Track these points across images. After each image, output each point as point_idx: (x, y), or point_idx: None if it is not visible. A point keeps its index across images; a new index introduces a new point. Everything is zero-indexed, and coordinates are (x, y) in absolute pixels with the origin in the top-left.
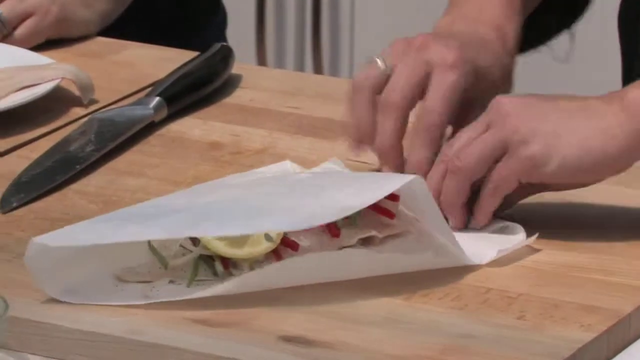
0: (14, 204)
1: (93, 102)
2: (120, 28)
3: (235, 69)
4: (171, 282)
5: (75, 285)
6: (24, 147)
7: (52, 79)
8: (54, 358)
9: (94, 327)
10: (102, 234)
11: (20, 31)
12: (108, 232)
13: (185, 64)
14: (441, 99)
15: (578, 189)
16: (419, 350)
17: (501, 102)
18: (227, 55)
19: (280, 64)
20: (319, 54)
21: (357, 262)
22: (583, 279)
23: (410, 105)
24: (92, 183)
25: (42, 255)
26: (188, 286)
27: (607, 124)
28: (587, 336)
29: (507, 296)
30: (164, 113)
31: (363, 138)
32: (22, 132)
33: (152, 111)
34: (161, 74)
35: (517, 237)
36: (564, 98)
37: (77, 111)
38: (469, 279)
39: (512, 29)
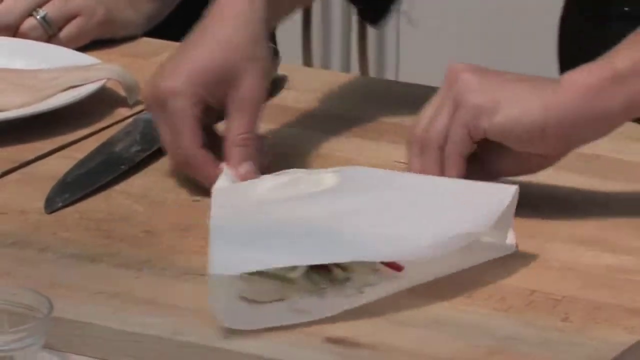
0: (59, 204)
1: (138, 102)
2: (166, 29)
3: (280, 70)
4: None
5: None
6: (69, 147)
7: (98, 80)
8: (98, 358)
9: (138, 327)
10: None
11: (66, 32)
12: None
13: None
14: (177, 134)
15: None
16: (464, 352)
17: (461, 77)
18: (273, 55)
19: (326, 64)
20: (364, 55)
21: None
22: (627, 281)
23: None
24: (137, 183)
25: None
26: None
27: (548, 98)
28: (631, 338)
29: (552, 298)
30: None
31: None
32: (68, 132)
33: None
34: None
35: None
36: (509, 72)
37: (122, 112)
38: (513, 280)
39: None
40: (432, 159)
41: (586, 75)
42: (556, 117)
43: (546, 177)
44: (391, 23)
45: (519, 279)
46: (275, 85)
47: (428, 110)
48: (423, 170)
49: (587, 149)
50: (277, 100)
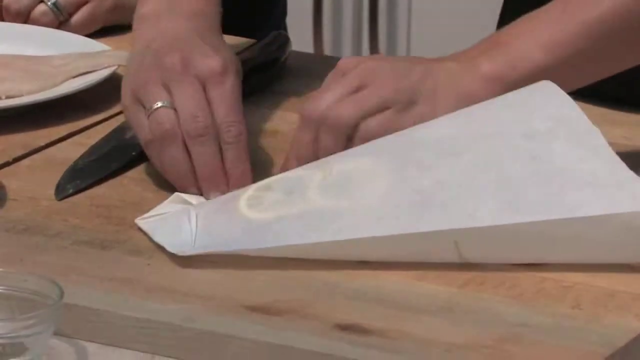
0: (70, 191)
1: None
2: None
3: (291, 57)
4: None
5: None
6: (80, 134)
7: (109, 66)
8: (109, 345)
9: (150, 314)
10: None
11: (76, 18)
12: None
13: (241, 52)
14: (232, 108)
15: None
16: (475, 339)
17: (368, 64)
18: (283, 42)
19: (337, 51)
20: (375, 42)
21: None
22: (638, 268)
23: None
24: (147, 170)
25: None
26: None
27: (470, 90)
28: None
29: (563, 285)
30: None
31: (190, 183)
32: (78, 118)
33: None
34: None
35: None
36: (418, 59)
37: None
38: (525, 267)
39: (215, 11)
40: (339, 145)
41: (497, 66)
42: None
43: None
44: (403, 9)
45: (531, 266)
46: (286, 72)
47: (331, 94)
48: (316, 149)
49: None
50: (288, 87)
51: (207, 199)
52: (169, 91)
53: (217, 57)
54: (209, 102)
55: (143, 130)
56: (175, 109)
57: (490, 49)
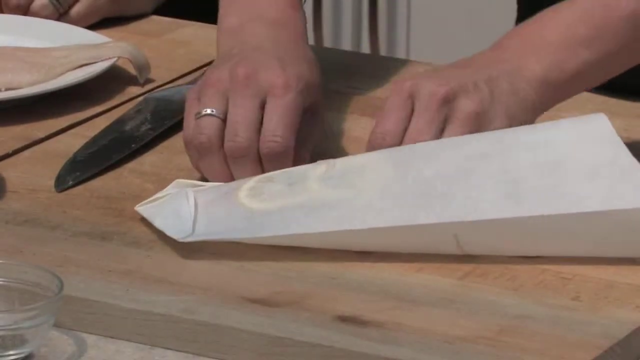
0: (70, 183)
1: (149, 81)
2: (176, 7)
3: None
4: None
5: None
6: (80, 126)
7: (109, 58)
8: (108, 337)
9: (149, 306)
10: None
11: (76, 9)
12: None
13: None
14: (281, 122)
15: None
16: (475, 330)
17: (420, 83)
18: None
19: (336, 43)
20: (375, 34)
21: None
22: (639, 260)
23: (257, 143)
24: (147, 162)
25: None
26: None
27: (522, 97)
28: None
29: (562, 277)
30: None
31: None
32: (79, 110)
33: None
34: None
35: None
36: (468, 63)
37: (133, 90)
38: (524, 259)
39: (299, 19)
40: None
41: (550, 72)
42: (532, 117)
43: None
44: (402, 1)
45: (530, 258)
46: None
47: (394, 122)
48: None
49: None
50: None
51: None
52: (226, 101)
53: (282, 71)
54: (263, 115)
55: (187, 129)
56: (224, 120)
57: (534, 48)
